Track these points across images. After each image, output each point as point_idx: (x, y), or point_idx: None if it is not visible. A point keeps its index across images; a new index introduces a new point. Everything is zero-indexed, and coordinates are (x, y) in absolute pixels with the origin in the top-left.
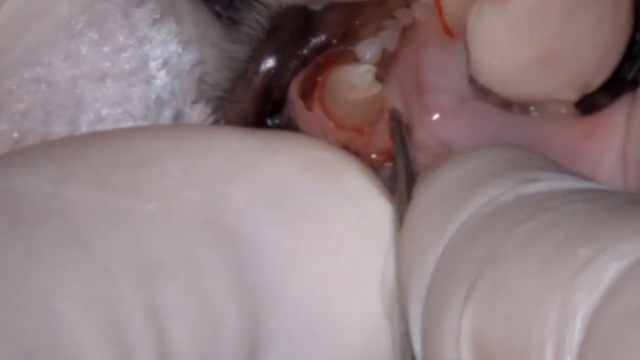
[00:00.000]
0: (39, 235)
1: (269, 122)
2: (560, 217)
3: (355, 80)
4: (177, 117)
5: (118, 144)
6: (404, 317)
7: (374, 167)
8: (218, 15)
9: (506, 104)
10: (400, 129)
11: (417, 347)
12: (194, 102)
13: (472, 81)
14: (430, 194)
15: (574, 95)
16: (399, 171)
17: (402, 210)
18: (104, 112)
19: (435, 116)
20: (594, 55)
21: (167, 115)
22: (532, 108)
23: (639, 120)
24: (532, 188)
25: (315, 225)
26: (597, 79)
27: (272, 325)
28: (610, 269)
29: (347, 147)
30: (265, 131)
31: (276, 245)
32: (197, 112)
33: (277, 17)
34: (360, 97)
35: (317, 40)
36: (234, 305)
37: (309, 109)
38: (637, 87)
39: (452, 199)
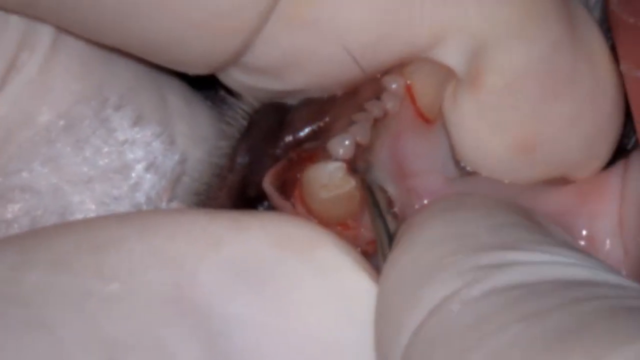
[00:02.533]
0: None
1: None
2: (506, 346)
3: (325, 179)
4: None
5: (80, 230)
6: None
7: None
8: (216, 106)
9: None
10: (372, 194)
11: None
12: (170, 200)
13: (458, 163)
14: (387, 284)
15: (562, 177)
16: (378, 234)
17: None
18: (91, 214)
19: (422, 198)
20: (575, 148)
21: None
22: None
23: (634, 186)
24: (482, 287)
25: (287, 300)
26: (586, 169)
27: None
28: None
29: None
30: (234, 211)
31: (248, 322)
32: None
33: (254, 114)
34: (333, 194)
35: (290, 137)
36: None
37: (293, 208)
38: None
39: (405, 296)
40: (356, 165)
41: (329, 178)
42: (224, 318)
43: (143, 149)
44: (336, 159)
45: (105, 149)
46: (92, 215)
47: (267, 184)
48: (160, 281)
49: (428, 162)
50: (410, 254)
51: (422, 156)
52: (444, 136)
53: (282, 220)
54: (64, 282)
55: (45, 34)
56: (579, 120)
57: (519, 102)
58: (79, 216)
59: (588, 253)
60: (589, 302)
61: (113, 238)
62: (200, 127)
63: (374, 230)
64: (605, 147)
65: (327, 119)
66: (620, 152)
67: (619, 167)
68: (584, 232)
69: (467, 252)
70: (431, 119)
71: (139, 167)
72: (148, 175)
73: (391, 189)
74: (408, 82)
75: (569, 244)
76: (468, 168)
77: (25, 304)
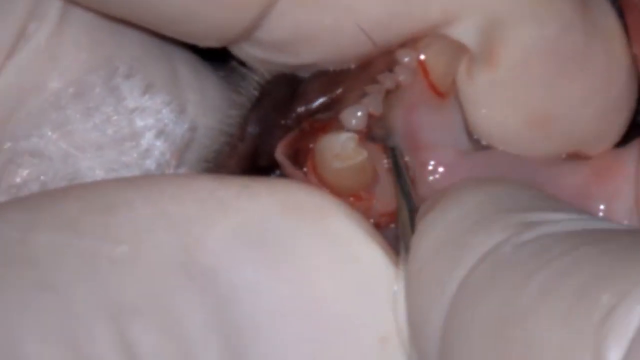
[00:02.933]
0: (4, 278)
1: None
2: (572, 264)
3: (338, 149)
4: None
5: (87, 192)
6: None
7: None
8: (227, 76)
9: None
10: (396, 160)
11: None
12: (177, 166)
13: (471, 135)
14: (424, 246)
15: (574, 153)
16: (399, 201)
17: (406, 242)
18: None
19: (436, 171)
20: (589, 123)
21: None
22: None
23: None
24: (530, 235)
25: (296, 267)
26: (600, 144)
27: None
28: (636, 314)
29: None
30: (243, 177)
31: (256, 288)
32: None
33: (265, 85)
34: (345, 165)
35: (302, 108)
36: (215, 347)
37: (305, 175)
38: None
39: (447, 253)
40: (373, 133)
41: (341, 148)
42: (232, 283)
43: (153, 116)
44: (349, 130)
45: (115, 117)
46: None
47: (280, 153)
48: (168, 244)
49: (441, 134)
50: (450, 215)
51: (435, 129)
52: (457, 110)
53: (292, 187)
54: (71, 243)
55: (54, 5)
56: (592, 98)
57: (533, 79)
58: (88, 181)
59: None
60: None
61: (120, 200)
62: (210, 97)
63: (395, 193)
64: (618, 124)
65: (339, 90)
66: (633, 129)
67: (633, 146)
68: (600, 213)
69: (512, 211)
70: (444, 93)
71: (149, 134)
72: (158, 143)
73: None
74: (421, 55)
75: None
76: (482, 142)
77: (35, 265)
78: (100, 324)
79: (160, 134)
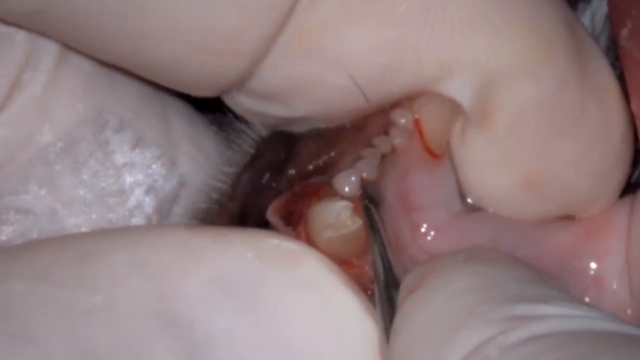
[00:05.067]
0: None
1: None
2: None
3: (332, 218)
4: None
5: (62, 242)
6: None
7: (367, 293)
8: (222, 131)
9: None
10: (370, 213)
11: None
12: (160, 220)
13: (463, 198)
14: (409, 331)
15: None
16: (375, 261)
17: (383, 313)
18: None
19: (428, 232)
20: (582, 184)
21: None
22: None
23: None
24: (517, 335)
25: (270, 315)
26: (593, 208)
27: None
28: None
29: None
30: (217, 226)
31: (230, 336)
32: None
33: (261, 143)
34: (339, 234)
35: (295, 171)
36: None
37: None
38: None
39: (431, 345)
40: (364, 199)
41: (336, 217)
42: (207, 332)
43: (142, 172)
44: (342, 197)
45: (103, 173)
46: None
47: (271, 214)
48: (143, 293)
49: (434, 196)
50: (435, 299)
51: (428, 191)
52: (450, 171)
53: (265, 235)
54: (47, 293)
55: (49, 52)
56: (587, 158)
57: (527, 139)
58: None
59: (597, 307)
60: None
61: (95, 249)
62: (204, 151)
63: (372, 263)
64: (613, 186)
65: (333, 153)
66: (625, 189)
67: (625, 204)
68: (591, 272)
69: (499, 302)
70: (438, 154)
71: (138, 190)
72: (147, 199)
73: (394, 225)
74: (416, 116)
75: (579, 299)
76: (472, 202)
77: (9, 315)
78: None
79: (149, 190)
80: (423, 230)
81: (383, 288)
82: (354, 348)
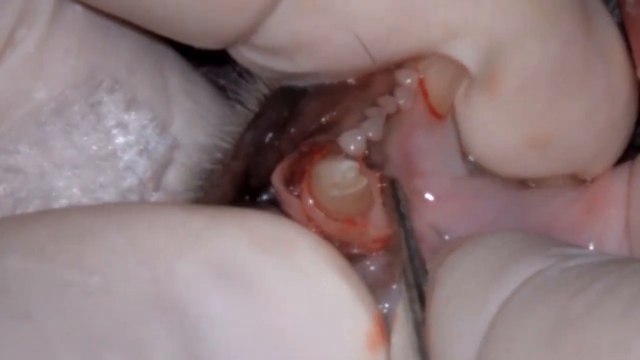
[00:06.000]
0: None
1: (264, 198)
2: (619, 280)
3: (338, 177)
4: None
5: (59, 218)
6: None
7: (368, 255)
8: (223, 90)
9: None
10: (397, 193)
11: None
12: (154, 190)
13: (466, 158)
14: (456, 274)
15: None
16: (401, 243)
17: (409, 287)
18: (75, 200)
19: (429, 200)
20: (587, 143)
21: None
22: (530, 182)
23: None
24: (572, 262)
25: (262, 301)
26: (596, 167)
27: None
28: None
29: (337, 238)
30: (212, 207)
31: (223, 322)
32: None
33: (264, 102)
34: (344, 193)
35: (298, 130)
36: None
37: (299, 198)
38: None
39: (485, 278)
40: (371, 160)
41: (342, 176)
42: (200, 316)
43: (135, 133)
44: (348, 156)
45: (95, 135)
46: (76, 201)
47: (276, 177)
48: (139, 276)
49: (436, 159)
50: (482, 250)
51: (431, 153)
52: (453, 131)
53: (261, 219)
54: (44, 271)
55: (43, 10)
56: (592, 118)
57: (533, 100)
58: (63, 201)
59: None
60: None
61: (92, 228)
62: (201, 107)
63: (396, 225)
64: (616, 145)
65: (337, 112)
66: (627, 150)
67: (623, 171)
68: (591, 246)
69: (545, 246)
70: (442, 115)
71: (130, 152)
72: (140, 161)
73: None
74: (421, 77)
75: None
76: (472, 159)
77: (6, 291)
78: (72, 357)
79: (142, 151)
80: (425, 196)
81: (408, 261)
82: (343, 335)
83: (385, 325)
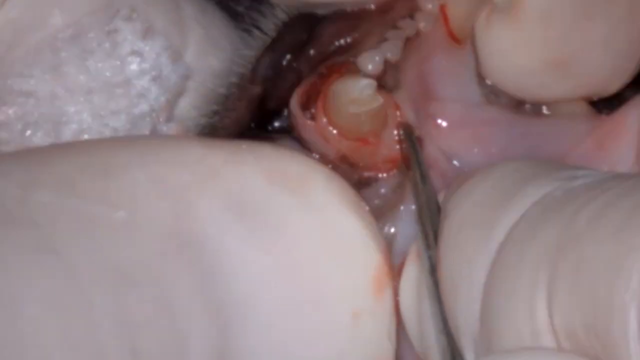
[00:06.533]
0: (6, 238)
1: (276, 124)
2: (621, 192)
3: (356, 94)
4: (154, 133)
5: (84, 153)
6: (443, 331)
7: (379, 176)
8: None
9: (518, 103)
10: (413, 144)
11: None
12: (168, 120)
13: (482, 83)
14: (465, 205)
15: (587, 97)
16: (417, 188)
17: (425, 224)
18: (85, 125)
19: (442, 126)
20: (607, 63)
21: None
22: (544, 107)
23: None
24: (578, 182)
25: (278, 238)
26: (612, 86)
27: (242, 340)
28: None
29: (348, 157)
30: (230, 142)
31: (240, 259)
32: (171, 130)
33: (282, 26)
34: (361, 110)
35: (316, 52)
36: (201, 319)
37: (313, 117)
38: None
39: (494, 205)
40: (384, 82)
41: (359, 93)
42: (218, 252)
43: (149, 62)
44: (365, 75)
45: (109, 62)
46: (86, 127)
47: (295, 102)
48: (161, 212)
49: (453, 84)
50: (490, 179)
51: (447, 77)
52: (471, 57)
53: (278, 155)
54: (71, 205)
55: None
56: (613, 38)
57: (555, 23)
58: (73, 126)
59: None
60: None
61: (117, 163)
62: (216, 37)
63: (412, 170)
64: (633, 63)
65: (356, 35)
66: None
67: (635, 104)
68: None
69: (552, 169)
70: (461, 40)
71: (143, 79)
72: (153, 88)
73: (411, 115)
74: (442, 2)
75: None
76: (490, 82)
77: (34, 225)
78: (99, 292)
79: (155, 79)
80: (438, 122)
81: (426, 208)
82: (354, 271)
83: (392, 264)
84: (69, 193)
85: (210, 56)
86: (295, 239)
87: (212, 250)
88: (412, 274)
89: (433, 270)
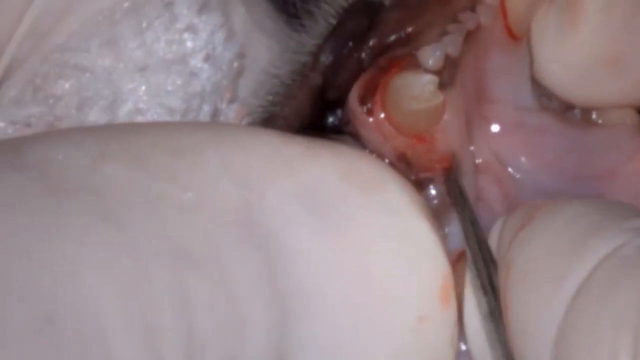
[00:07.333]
0: (71, 204)
1: (330, 120)
2: None
3: (417, 90)
4: (215, 114)
5: (157, 132)
6: None
7: (433, 177)
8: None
9: (569, 107)
10: (459, 188)
11: None
12: (230, 101)
13: (535, 84)
14: (529, 252)
15: (637, 104)
16: (466, 230)
17: (479, 269)
18: (141, 104)
19: (494, 129)
20: None
21: (206, 110)
22: (594, 114)
23: None
24: None
25: (349, 236)
26: None
27: (302, 332)
28: None
29: (405, 154)
30: (306, 137)
31: (309, 253)
32: (233, 111)
33: (343, 14)
34: (421, 107)
35: (377, 41)
36: (262, 306)
37: (370, 112)
38: None
39: (560, 256)
40: (442, 79)
41: (420, 90)
42: (286, 244)
43: (204, 38)
44: (426, 69)
45: (166, 37)
46: (142, 105)
47: (354, 94)
48: (231, 197)
49: (507, 84)
50: (555, 224)
51: (502, 76)
52: (527, 57)
53: (353, 155)
54: (140, 181)
55: None
56: None
57: (612, 18)
58: (129, 105)
59: None
60: None
61: (189, 144)
62: (261, 20)
63: (462, 226)
64: None
65: (416, 26)
66: None
67: None
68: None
69: (620, 218)
70: (518, 36)
71: (197, 57)
72: (206, 66)
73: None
74: None
75: None
76: (544, 84)
77: (102, 196)
78: (159, 268)
79: (208, 57)
80: (490, 125)
81: (477, 252)
82: (424, 277)
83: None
84: (139, 169)
85: (259, 39)
86: (365, 238)
87: (280, 241)
88: (473, 300)
89: (491, 316)
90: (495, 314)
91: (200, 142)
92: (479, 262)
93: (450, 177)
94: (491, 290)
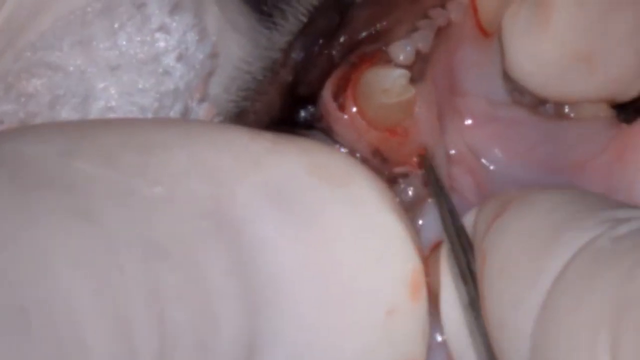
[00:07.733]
0: (42, 199)
1: (302, 116)
2: None
3: (388, 84)
4: (185, 113)
5: (127, 128)
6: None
7: (408, 171)
8: (264, 3)
9: (541, 102)
10: (436, 177)
11: None
12: (201, 100)
13: (507, 79)
14: (504, 243)
15: (609, 99)
16: (444, 218)
17: (459, 257)
18: (113, 102)
19: (467, 122)
20: (630, 60)
21: (177, 109)
22: (567, 108)
23: None
24: (624, 229)
25: (317, 230)
26: (635, 87)
27: (272, 326)
28: None
29: (379, 149)
30: (273, 133)
31: (276, 246)
32: (204, 110)
33: (313, 11)
34: (392, 101)
35: (348, 38)
36: (233, 299)
37: (342, 107)
38: None
39: (536, 248)
40: (413, 73)
41: (391, 84)
42: (255, 238)
43: (176, 38)
44: (397, 64)
45: (138, 38)
46: (114, 104)
47: (327, 93)
48: (201, 192)
49: (478, 78)
50: (530, 216)
51: (474, 70)
52: (498, 52)
53: (321, 150)
54: (109, 176)
55: None
56: (638, 35)
57: (582, 18)
58: (101, 103)
59: None
60: None
61: (158, 141)
62: (234, 19)
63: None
64: None
65: (387, 23)
66: None
67: None
68: (621, 192)
69: (596, 209)
70: (489, 33)
71: (170, 56)
72: (178, 65)
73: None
74: None
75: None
76: (516, 80)
77: (72, 191)
78: (130, 259)
79: (181, 57)
80: (463, 118)
81: (455, 237)
82: (392, 270)
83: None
84: (108, 164)
85: (231, 36)
86: (333, 232)
87: (249, 235)
88: (452, 290)
89: (471, 306)
90: (475, 304)
91: (170, 138)
92: (458, 251)
93: (426, 166)
94: (471, 278)
